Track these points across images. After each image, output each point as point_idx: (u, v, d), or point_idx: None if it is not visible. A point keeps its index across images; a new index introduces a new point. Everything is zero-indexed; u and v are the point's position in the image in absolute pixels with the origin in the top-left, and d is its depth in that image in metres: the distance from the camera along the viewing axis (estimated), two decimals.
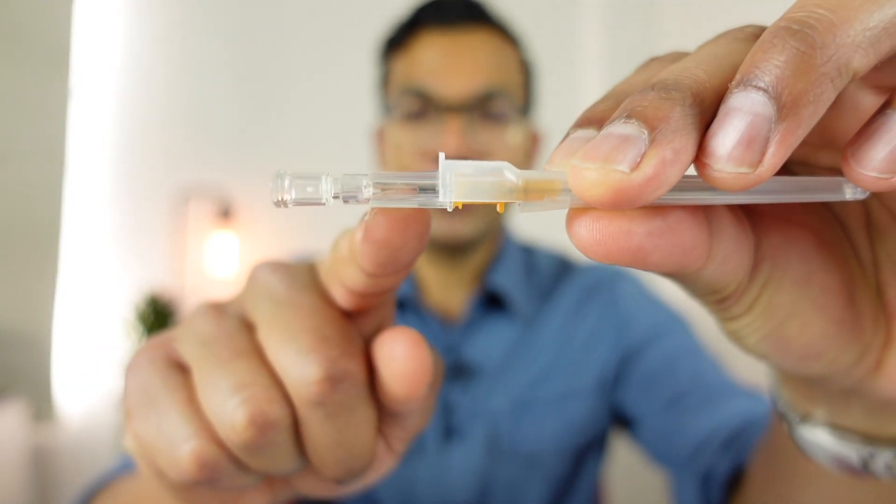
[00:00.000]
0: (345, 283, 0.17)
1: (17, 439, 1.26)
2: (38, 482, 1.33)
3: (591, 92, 1.55)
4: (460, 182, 0.11)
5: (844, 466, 0.19)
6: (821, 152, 0.15)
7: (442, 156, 0.11)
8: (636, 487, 0.97)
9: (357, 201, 0.11)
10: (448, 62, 0.50)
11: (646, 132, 0.10)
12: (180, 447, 0.17)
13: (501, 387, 0.51)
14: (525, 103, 0.54)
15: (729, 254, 0.13)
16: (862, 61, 0.10)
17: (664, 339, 0.51)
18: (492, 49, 0.51)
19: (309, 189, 0.11)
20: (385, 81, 0.55)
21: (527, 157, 0.56)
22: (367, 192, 0.11)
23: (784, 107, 0.10)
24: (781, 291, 0.14)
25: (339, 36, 1.55)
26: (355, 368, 0.17)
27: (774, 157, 0.10)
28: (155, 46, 1.51)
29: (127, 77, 1.50)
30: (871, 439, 0.18)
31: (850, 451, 0.18)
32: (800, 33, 0.10)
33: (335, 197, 0.11)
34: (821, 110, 0.10)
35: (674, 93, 0.10)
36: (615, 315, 0.54)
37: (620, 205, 0.10)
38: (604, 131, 0.11)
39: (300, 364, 0.17)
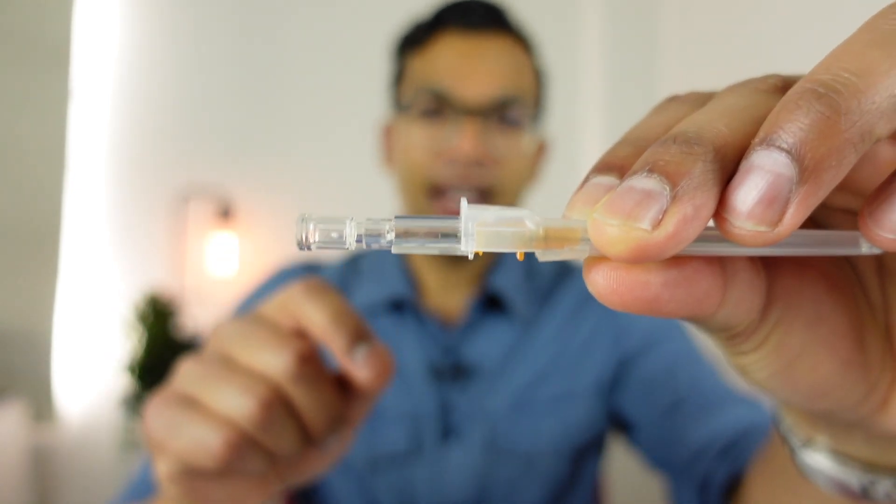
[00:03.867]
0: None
1: (17, 439, 1.26)
2: (38, 482, 1.33)
3: (591, 99, 1.55)
4: (482, 231, 0.11)
5: (844, 491, 0.19)
6: (836, 194, 0.15)
7: (464, 202, 0.12)
8: (636, 489, 0.98)
9: (380, 245, 0.11)
10: (469, 65, 0.49)
11: (668, 188, 0.10)
12: (213, 440, 0.23)
13: (499, 387, 0.51)
14: (536, 110, 0.54)
15: (742, 297, 0.13)
16: (885, 128, 0.10)
17: (662, 345, 0.51)
18: (511, 56, 0.51)
19: (333, 234, 0.11)
20: (399, 78, 0.55)
21: (533, 164, 0.56)
22: (390, 236, 0.11)
23: (806, 169, 0.10)
24: (792, 332, 0.14)
25: (339, 36, 1.55)
26: (314, 351, 0.26)
27: (794, 217, 0.10)
28: (155, 46, 1.51)
29: (127, 77, 1.50)
30: (872, 467, 0.18)
31: (851, 478, 0.18)
32: (825, 97, 0.10)
33: (358, 241, 0.11)
34: (842, 174, 0.10)
35: (696, 147, 0.11)
36: (613, 319, 0.54)
37: (641, 260, 0.11)
38: (626, 184, 0.11)
39: (277, 356, 0.25)
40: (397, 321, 0.53)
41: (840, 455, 0.19)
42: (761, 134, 0.10)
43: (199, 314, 1.40)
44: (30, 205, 1.40)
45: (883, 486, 0.18)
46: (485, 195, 0.50)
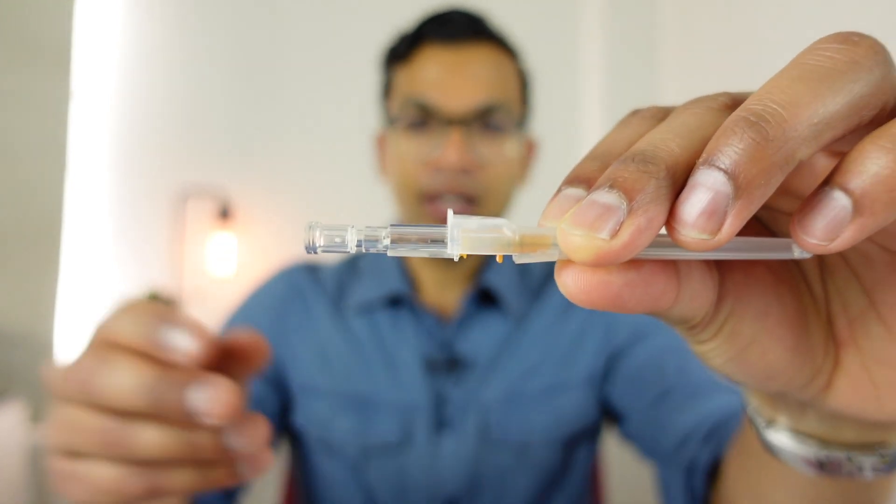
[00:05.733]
0: None
1: (16, 439, 1.27)
2: (38, 482, 1.34)
3: (590, 97, 1.56)
4: (466, 237, 0.12)
5: (805, 465, 0.21)
6: (779, 198, 0.17)
7: (450, 212, 0.13)
8: (633, 477, 0.99)
9: (377, 249, 0.13)
10: (450, 76, 0.51)
11: (625, 203, 0.12)
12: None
13: (493, 380, 0.53)
14: (522, 113, 0.56)
15: (696, 293, 0.15)
16: (806, 152, 0.12)
17: (650, 338, 0.53)
18: (492, 64, 0.53)
19: (336, 239, 0.12)
20: (387, 90, 0.57)
21: (522, 164, 0.58)
22: (386, 241, 0.12)
23: (740, 187, 0.11)
24: (743, 322, 0.16)
25: (340, 38, 1.57)
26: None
27: (731, 226, 0.12)
28: (155, 46, 1.52)
29: (127, 77, 1.51)
30: (826, 443, 0.20)
31: (808, 453, 0.21)
32: (756, 126, 0.12)
33: (358, 245, 0.12)
34: (770, 191, 0.12)
35: (650, 166, 0.12)
36: (603, 314, 0.56)
37: (601, 264, 0.12)
38: (589, 198, 0.12)
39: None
40: (395, 316, 0.55)
41: (798, 433, 0.21)
42: (704, 155, 0.12)
43: (199, 314, 1.41)
44: (30, 204, 1.41)
45: (837, 459, 0.20)
46: (472, 201, 0.52)
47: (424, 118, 0.51)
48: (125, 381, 0.23)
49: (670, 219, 0.12)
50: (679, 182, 0.12)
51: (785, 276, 0.18)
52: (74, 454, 0.25)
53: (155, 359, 0.24)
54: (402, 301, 0.56)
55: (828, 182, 0.12)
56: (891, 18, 0.77)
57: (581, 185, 0.13)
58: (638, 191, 0.12)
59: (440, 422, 0.52)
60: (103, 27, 1.50)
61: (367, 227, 0.12)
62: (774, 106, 0.12)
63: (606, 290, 0.13)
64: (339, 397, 0.53)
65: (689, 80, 1.32)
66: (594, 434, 0.56)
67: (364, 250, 0.12)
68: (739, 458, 0.30)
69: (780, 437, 0.21)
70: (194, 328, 0.24)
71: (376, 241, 0.12)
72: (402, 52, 0.55)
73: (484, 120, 0.51)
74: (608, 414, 0.55)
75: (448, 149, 0.50)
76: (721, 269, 0.16)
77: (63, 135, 1.44)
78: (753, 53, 1.06)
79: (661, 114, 0.16)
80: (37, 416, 1.36)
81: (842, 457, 0.20)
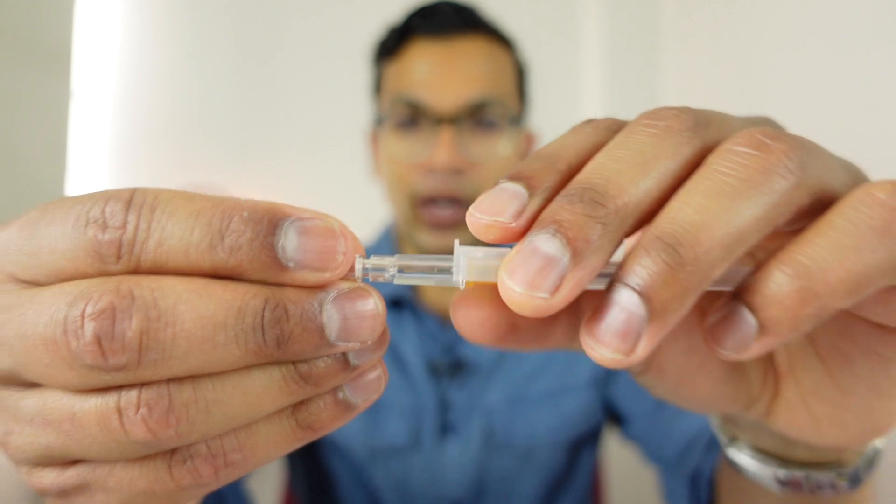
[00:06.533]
0: None
1: None
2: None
3: (590, 89, 1.56)
4: (472, 265, 0.13)
5: (768, 481, 0.21)
6: None
7: (457, 242, 0.13)
8: (634, 480, 1.00)
9: (384, 278, 0.13)
10: (440, 72, 0.50)
11: (568, 254, 0.12)
12: None
13: (496, 383, 0.53)
14: (519, 105, 0.54)
15: None
16: (719, 271, 0.12)
17: None
18: (484, 57, 0.51)
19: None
20: (378, 87, 0.56)
21: (521, 160, 0.57)
22: (392, 270, 0.13)
23: (654, 310, 0.12)
24: (670, 360, 0.17)
25: (340, 38, 1.56)
26: None
27: (645, 348, 0.12)
28: (155, 46, 1.52)
29: (127, 77, 1.51)
30: (785, 461, 0.21)
31: (768, 472, 0.21)
32: (669, 248, 0.12)
33: (364, 273, 0.13)
34: (684, 312, 0.12)
35: (598, 208, 0.12)
36: None
37: (540, 316, 0.12)
38: (531, 244, 0.12)
39: None
40: (398, 318, 0.55)
41: (758, 451, 0.21)
42: (621, 272, 0.12)
43: None
44: (30, 205, 1.41)
45: (796, 478, 0.21)
46: (467, 204, 0.50)
47: (414, 117, 0.50)
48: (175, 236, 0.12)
49: (585, 332, 0.12)
50: (627, 222, 0.12)
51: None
52: (63, 460, 0.14)
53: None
54: (404, 303, 0.55)
55: (738, 297, 0.13)
56: (887, 14, 0.77)
57: (521, 182, 0.13)
58: (582, 240, 0.12)
59: (444, 427, 0.52)
60: (103, 27, 1.49)
61: (374, 256, 0.13)
62: (687, 227, 0.12)
63: (503, 330, 0.14)
64: None
65: (691, 75, 1.32)
66: (598, 436, 0.56)
67: (371, 279, 0.13)
68: (724, 471, 0.30)
69: (742, 456, 0.22)
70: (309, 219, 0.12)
71: (383, 269, 0.13)
72: (390, 46, 0.53)
73: (476, 117, 0.49)
74: (611, 415, 0.55)
75: (438, 149, 0.48)
76: None
77: (63, 135, 1.44)
78: (756, 55, 1.06)
79: (617, 126, 0.15)
80: None
81: (800, 475, 0.20)
